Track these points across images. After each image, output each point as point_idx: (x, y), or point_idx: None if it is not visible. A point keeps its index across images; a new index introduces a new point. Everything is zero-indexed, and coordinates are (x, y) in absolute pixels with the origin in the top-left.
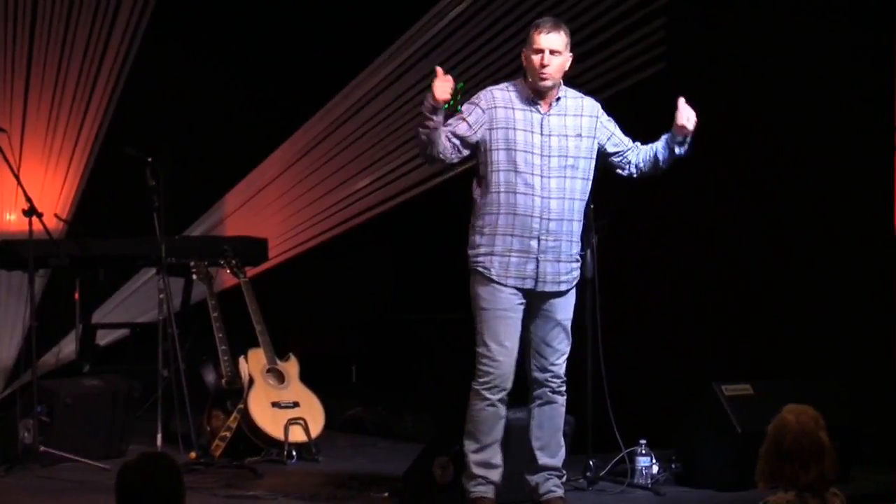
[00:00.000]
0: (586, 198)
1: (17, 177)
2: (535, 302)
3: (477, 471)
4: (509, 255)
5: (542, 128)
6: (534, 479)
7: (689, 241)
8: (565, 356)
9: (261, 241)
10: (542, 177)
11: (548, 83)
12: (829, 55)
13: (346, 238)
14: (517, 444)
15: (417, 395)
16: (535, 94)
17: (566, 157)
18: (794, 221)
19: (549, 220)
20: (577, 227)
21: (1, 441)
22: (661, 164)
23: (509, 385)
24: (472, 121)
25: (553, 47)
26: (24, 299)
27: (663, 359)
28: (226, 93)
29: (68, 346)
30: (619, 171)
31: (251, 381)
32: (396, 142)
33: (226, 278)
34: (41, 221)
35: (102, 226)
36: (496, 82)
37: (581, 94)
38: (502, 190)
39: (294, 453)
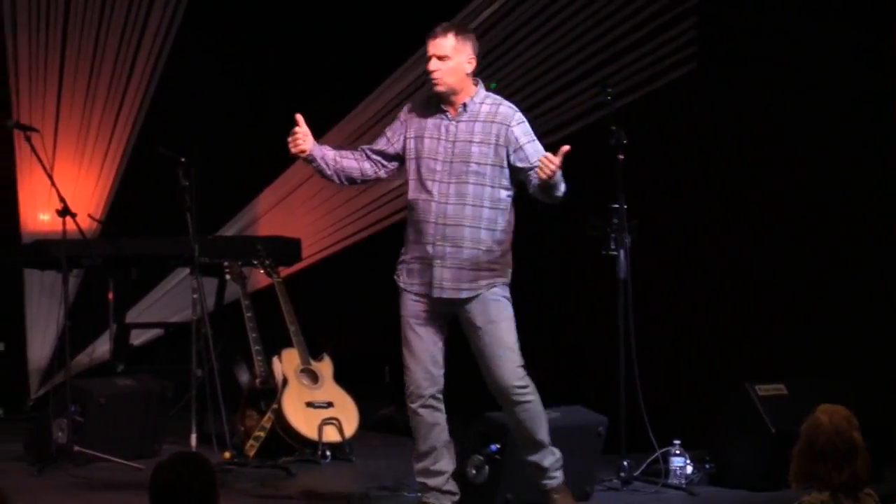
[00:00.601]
0: (501, 206)
1: (50, 177)
2: (456, 312)
3: (418, 478)
4: (414, 263)
5: (447, 133)
6: (528, 475)
7: (721, 241)
8: (501, 362)
9: (294, 241)
10: (440, 182)
11: (439, 88)
12: (860, 55)
13: (376, 238)
14: (559, 443)
15: (449, 394)
16: (442, 102)
17: (468, 162)
18: (826, 220)
19: (444, 225)
20: (489, 235)
21: (35, 441)
22: (540, 199)
23: (426, 392)
24: (389, 134)
25: (438, 53)
26: (58, 299)
27: (697, 359)
28: (259, 92)
29: (102, 346)
30: (527, 188)
31: (285, 381)
32: None
33: (259, 278)
34: (74, 221)
35: (135, 225)
36: (529, 82)
37: (501, 101)
38: (410, 198)
39: (328, 453)
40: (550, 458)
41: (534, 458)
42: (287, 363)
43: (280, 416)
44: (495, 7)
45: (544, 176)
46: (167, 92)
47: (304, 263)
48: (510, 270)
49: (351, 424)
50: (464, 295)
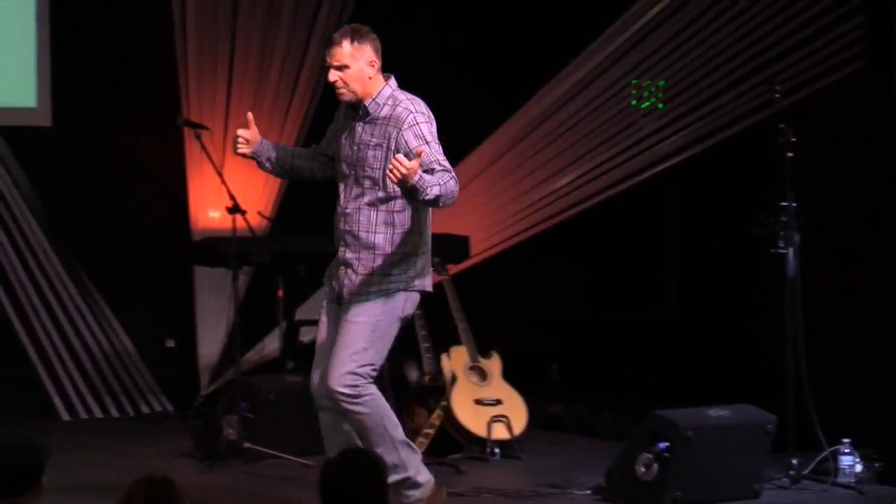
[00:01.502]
0: (398, 208)
1: (220, 174)
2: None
3: None
4: (333, 265)
5: (352, 136)
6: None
7: (890, 237)
8: (334, 362)
9: (462, 238)
10: (345, 186)
11: (344, 98)
12: None
13: (546, 235)
14: (727, 442)
15: (617, 394)
16: (352, 105)
17: (364, 167)
18: None
19: (344, 230)
20: (385, 239)
21: (205, 437)
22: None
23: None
24: (329, 134)
25: (335, 62)
26: (228, 296)
27: (866, 356)
28: (427, 91)
29: (271, 343)
30: None
31: (454, 379)
32: (596, 140)
33: None
34: (244, 219)
35: (304, 223)
36: (697, 80)
37: (400, 101)
38: None
39: (497, 450)
40: (394, 475)
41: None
42: (456, 360)
43: (449, 414)
44: (662, 5)
45: (392, 179)
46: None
47: (473, 261)
48: (416, 278)
49: (519, 422)
50: (356, 299)
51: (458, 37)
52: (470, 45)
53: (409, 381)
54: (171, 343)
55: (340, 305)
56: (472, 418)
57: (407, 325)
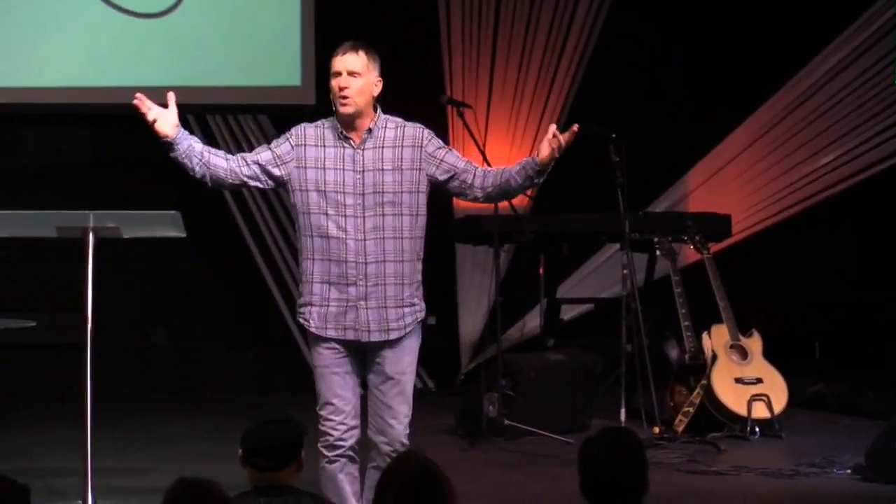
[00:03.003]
0: (420, 234)
1: (482, 152)
2: (367, 354)
3: None
4: (327, 306)
5: (354, 163)
6: None
7: None
8: (400, 418)
9: (724, 216)
10: (355, 217)
11: (348, 109)
12: None
13: (810, 214)
14: None
15: (881, 373)
16: (345, 127)
17: (382, 192)
18: None
19: (365, 263)
20: (410, 268)
21: (466, 414)
22: (512, 189)
23: (350, 442)
24: (279, 152)
25: (350, 68)
26: (490, 274)
27: None
28: (690, 68)
29: (532, 321)
30: (460, 196)
31: (714, 357)
32: (861, 117)
33: (689, 254)
34: None
35: (566, 201)
36: None
37: (403, 122)
38: (314, 234)
39: (757, 429)
40: None
41: None
42: (716, 339)
43: (709, 392)
44: None
45: (555, 145)
46: (599, 67)
47: (734, 239)
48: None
49: (780, 401)
50: (393, 336)
51: (722, 16)
52: (732, 24)
53: (670, 359)
54: (432, 321)
55: (349, 345)
56: (733, 397)
57: (668, 304)
